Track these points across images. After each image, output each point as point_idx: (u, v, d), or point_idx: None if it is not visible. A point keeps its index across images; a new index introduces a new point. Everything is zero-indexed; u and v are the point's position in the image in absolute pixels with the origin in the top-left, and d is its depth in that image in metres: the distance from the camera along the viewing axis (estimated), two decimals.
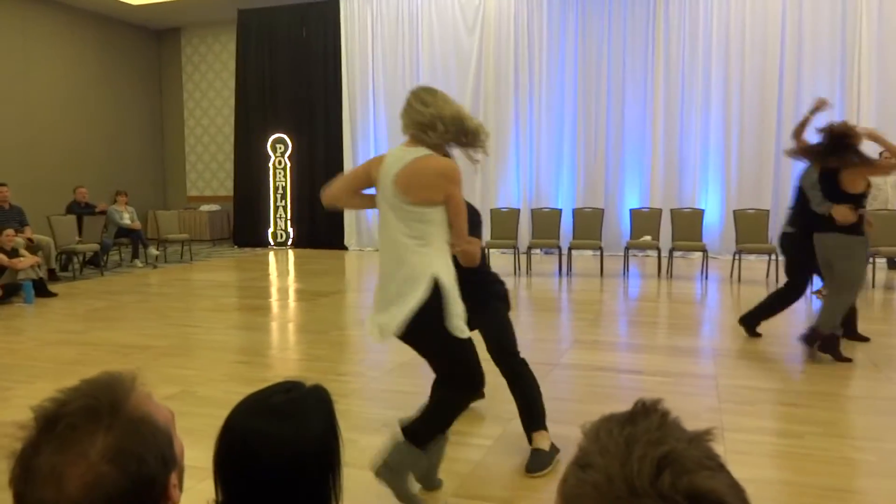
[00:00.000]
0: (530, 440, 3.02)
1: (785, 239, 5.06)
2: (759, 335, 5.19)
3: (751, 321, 5.22)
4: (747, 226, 8.36)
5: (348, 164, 12.20)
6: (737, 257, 8.29)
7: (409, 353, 4.81)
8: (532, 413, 3.07)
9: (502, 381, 4.24)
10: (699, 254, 9.29)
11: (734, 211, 8.69)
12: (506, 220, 9.47)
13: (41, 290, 7.61)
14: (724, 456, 2.39)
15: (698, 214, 8.93)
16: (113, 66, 13.26)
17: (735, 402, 3.70)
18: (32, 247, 8.33)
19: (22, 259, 7.62)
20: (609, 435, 0.62)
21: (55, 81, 12.07)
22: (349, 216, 12.28)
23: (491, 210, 9.89)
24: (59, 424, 0.82)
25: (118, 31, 13.36)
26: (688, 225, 8.79)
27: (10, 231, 7.84)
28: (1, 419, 3.49)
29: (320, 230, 12.46)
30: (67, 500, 0.79)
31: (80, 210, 10.05)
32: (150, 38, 14.19)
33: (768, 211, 8.60)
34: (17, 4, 11.34)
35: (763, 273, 8.41)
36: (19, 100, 11.42)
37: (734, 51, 10.23)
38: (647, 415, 0.64)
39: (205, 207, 13.91)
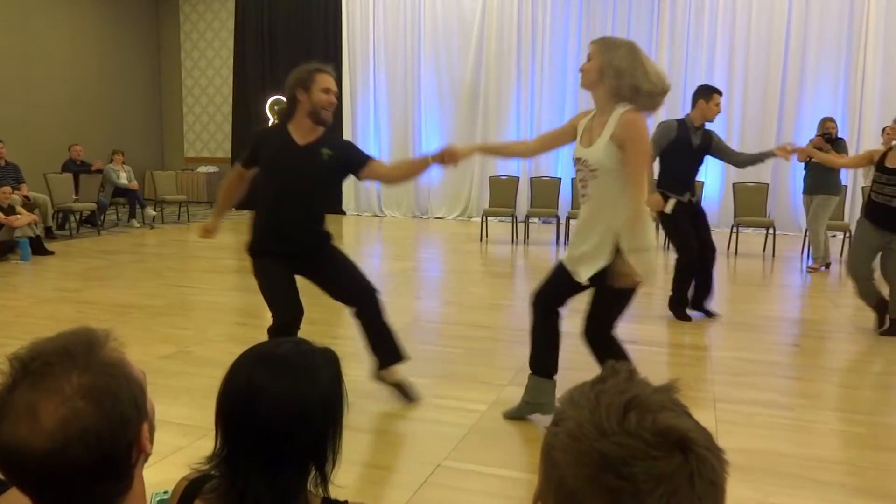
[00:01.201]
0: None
1: None
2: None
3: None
4: (746, 199, 8.34)
5: (347, 127, 12.09)
6: (735, 230, 8.28)
7: (405, 318, 4.83)
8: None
9: (495, 347, 4.27)
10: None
11: (734, 184, 8.66)
12: (504, 189, 9.44)
13: (38, 248, 7.59)
14: (714, 426, 2.44)
15: (698, 186, 8.88)
16: (111, 23, 13.03)
17: (727, 374, 3.74)
18: (29, 204, 8.29)
19: (19, 216, 7.58)
20: (580, 393, 0.66)
21: (53, 38, 11.87)
22: (347, 181, 12.18)
23: (490, 178, 9.84)
24: (33, 364, 0.83)
25: None
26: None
27: (6, 188, 7.79)
28: None
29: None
30: (42, 434, 0.80)
31: (75, 168, 9.98)
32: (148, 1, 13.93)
33: (768, 185, 8.58)
34: None
35: (760, 247, 8.41)
36: (16, 56, 11.24)
37: (740, 22, 10.09)
38: (616, 374, 0.68)
39: (202, 169, 13.81)
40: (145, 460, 0.94)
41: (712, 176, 10.29)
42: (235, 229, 10.29)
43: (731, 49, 10.17)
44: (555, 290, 3.04)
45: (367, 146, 12.04)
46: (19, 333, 4.46)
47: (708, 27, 10.24)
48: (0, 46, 11.02)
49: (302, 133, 3.07)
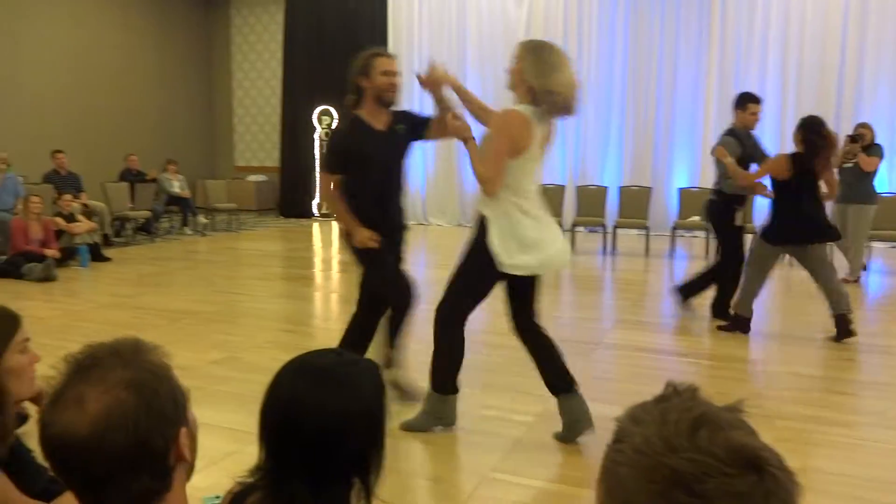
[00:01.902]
0: None
1: None
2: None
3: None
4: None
5: None
6: None
7: None
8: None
9: None
10: (749, 236, 9.04)
11: None
12: (550, 198, 9.34)
13: (96, 254, 7.86)
14: (770, 444, 2.32)
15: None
16: (165, 36, 13.46)
17: (782, 389, 3.62)
18: (88, 212, 8.59)
19: (78, 224, 7.87)
20: (643, 410, 0.65)
21: (109, 51, 12.32)
22: None
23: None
24: (84, 361, 0.92)
25: (170, 2, 13.53)
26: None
27: (67, 196, 8.10)
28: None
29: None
30: (85, 420, 0.86)
31: (131, 177, 10.31)
32: (200, 8, 14.34)
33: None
34: None
35: None
36: (76, 69, 11.70)
37: (793, 26, 9.82)
38: (679, 393, 0.67)
39: (252, 177, 14.11)
40: (188, 472, 0.97)
41: (767, 183, 10.03)
42: (285, 237, 10.47)
43: (784, 50, 9.91)
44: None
45: (413, 157, 12.12)
46: (77, 337, 4.61)
47: (760, 32, 10.00)
48: (59, 60, 11.48)
49: (376, 118, 3.17)
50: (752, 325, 4.84)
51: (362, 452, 1.07)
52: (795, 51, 9.85)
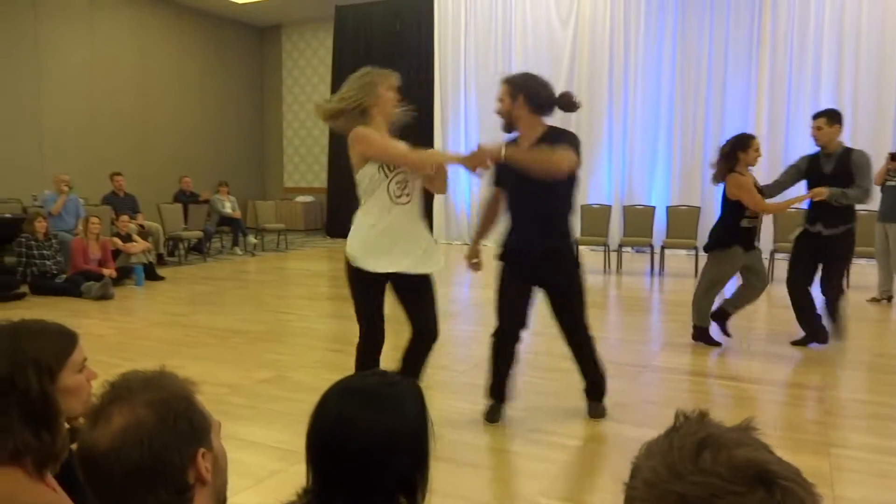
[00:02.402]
0: None
1: None
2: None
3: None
4: (862, 227, 7.79)
5: None
6: None
7: None
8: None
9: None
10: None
11: None
12: (596, 217, 9.28)
13: (150, 273, 8.10)
14: (829, 473, 2.25)
15: (803, 214, 8.42)
16: (219, 62, 13.91)
17: (843, 416, 3.48)
18: (144, 233, 8.88)
19: (135, 244, 8.14)
20: (654, 443, 0.66)
21: (167, 77, 12.79)
22: (438, 209, 12.37)
23: (581, 206, 9.71)
24: (117, 384, 1.01)
25: (224, 29, 13.99)
26: (792, 226, 8.28)
27: (125, 217, 8.38)
28: None
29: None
30: (108, 435, 0.94)
31: (185, 199, 10.62)
32: (253, 35, 14.79)
33: (877, 211, 8.00)
34: (135, 4, 12.08)
35: (874, 278, 7.84)
36: (136, 94, 12.18)
37: (848, 40, 9.57)
38: (688, 420, 0.67)
39: (300, 198, 14.38)
40: (217, 499, 1.01)
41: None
42: (331, 257, 10.62)
43: (839, 66, 9.65)
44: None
45: (459, 177, 12.19)
46: (133, 355, 4.74)
47: (812, 47, 9.78)
48: (121, 86, 11.95)
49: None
50: (809, 350, 4.69)
51: (408, 473, 1.08)
52: (850, 66, 9.58)
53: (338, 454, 1.04)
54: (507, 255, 3.29)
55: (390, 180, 2.94)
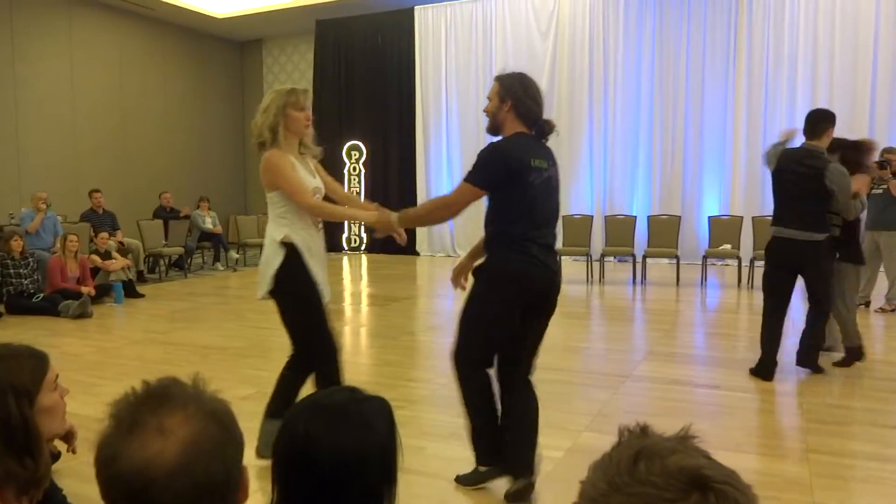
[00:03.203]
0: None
1: None
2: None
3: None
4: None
5: (421, 171, 12.32)
6: None
7: None
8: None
9: (570, 390, 4.16)
10: None
11: None
12: (578, 227, 9.33)
13: (130, 290, 8.01)
14: (809, 480, 2.25)
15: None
16: (199, 77, 13.86)
17: (822, 422, 3.50)
18: (123, 250, 8.79)
19: (114, 261, 8.04)
20: (598, 461, 0.66)
21: (147, 93, 12.72)
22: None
23: (563, 217, 9.76)
24: (155, 392, 0.88)
25: (205, 44, 13.96)
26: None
27: (103, 234, 8.29)
28: (88, 414, 3.69)
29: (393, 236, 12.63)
30: (174, 448, 0.81)
31: (166, 215, 10.54)
32: (233, 49, 14.76)
33: (860, 220, 8.11)
34: (115, 19, 12.02)
35: None
36: (115, 110, 12.09)
37: (822, 50, 9.75)
38: (630, 434, 0.67)
39: None
40: None
41: None
42: None
43: (813, 77, 9.81)
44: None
45: (440, 189, 12.20)
46: (111, 374, 4.68)
47: (788, 58, 9.94)
48: (100, 101, 11.87)
49: None
50: (789, 357, 4.72)
51: (376, 489, 1.06)
52: (825, 77, 9.75)
53: (304, 471, 1.03)
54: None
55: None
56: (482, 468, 2.84)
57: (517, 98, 2.88)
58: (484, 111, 3.02)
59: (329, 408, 1.08)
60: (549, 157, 2.90)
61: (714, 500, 0.57)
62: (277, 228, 3.02)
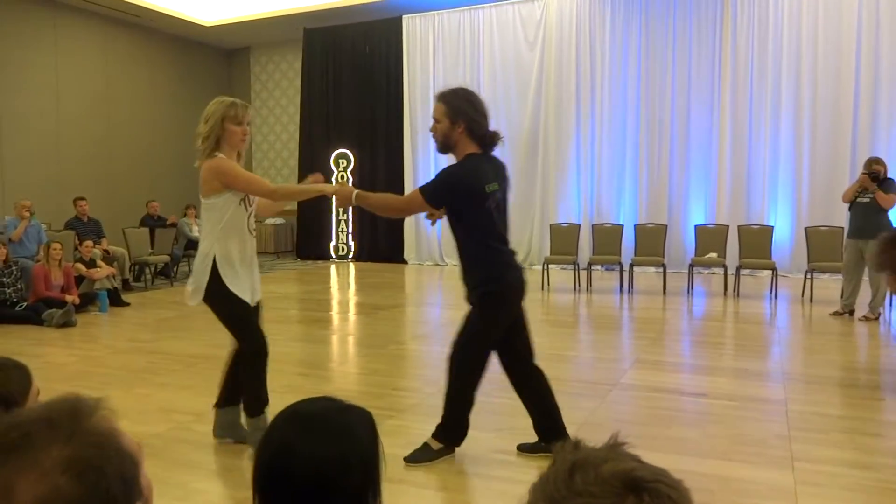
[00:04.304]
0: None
1: None
2: None
3: None
4: (820, 244, 8.01)
5: (408, 179, 12.33)
6: (808, 276, 7.94)
7: None
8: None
9: (557, 399, 4.16)
10: (768, 272, 8.96)
11: (806, 228, 8.34)
12: (566, 236, 9.37)
13: (115, 299, 7.94)
14: (793, 487, 2.27)
15: (767, 231, 8.61)
16: (186, 85, 13.81)
17: (807, 430, 3.53)
18: (108, 258, 8.71)
19: (99, 269, 7.97)
20: (538, 479, 0.68)
21: (133, 100, 12.66)
22: (408, 230, 12.37)
23: (551, 225, 9.80)
24: (10, 435, 0.74)
25: (192, 51, 13.92)
26: (756, 242, 8.49)
27: (88, 242, 8.23)
28: None
29: (381, 244, 12.62)
30: None
31: (152, 223, 10.47)
32: (221, 57, 14.74)
33: (843, 228, 8.22)
34: (100, 26, 11.96)
35: (837, 293, 8.02)
36: (101, 118, 12.02)
37: (806, 61, 9.87)
38: (563, 449, 0.69)
39: (269, 221, 14.26)
40: None
41: (783, 219, 9.97)
42: (302, 279, 10.53)
43: (798, 86, 9.93)
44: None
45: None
46: (95, 384, 4.63)
47: (772, 69, 10.06)
48: (86, 109, 11.80)
49: None
50: (774, 365, 4.76)
51: (358, 499, 1.05)
52: (808, 87, 9.87)
53: (284, 482, 1.02)
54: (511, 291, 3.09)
55: (249, 215, 3.24)
56: (438, 445, 3.13)
57: (469, 118, 2.95)
58: (431, 131, 3.06)
59: (308, 417, 1.07)
60: (500, 175, 3.07)
61: (648, 499, 0.60)
62: (207, 241, 3.19)
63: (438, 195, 3.00)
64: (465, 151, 2.97)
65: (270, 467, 1.04)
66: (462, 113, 2.94)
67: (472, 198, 2.94)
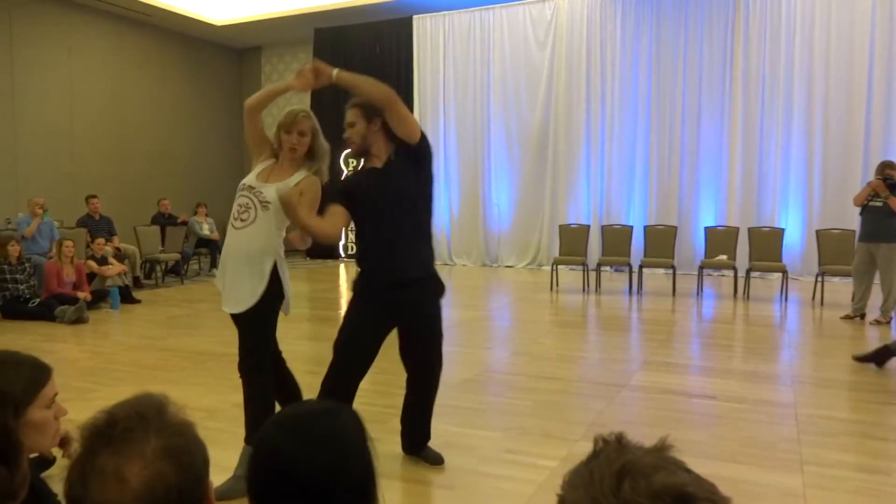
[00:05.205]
0: None
1: None
2: None
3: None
4: (831, 246, 7.96)
5: None
6: (819, 279, 7.90)
7: (474, 369, 4.81)
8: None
9: (566, 400, 4.17)
10: (778, 275, 8.92)
11: (817, 231, 8.30)
12: (575, 237, 9.35)
13: (126, 296, 8.00)
14: (802, 491, 2.27)
15: (778, 233, 8.57)
16: (197, 84, 13.88)
17: (816, 434, 3.52)
18: (120, 255, 8.78)
19: (110, 266, 8.04)
20: (576, 474, 0.66)
21: (144, 99, 12.74)
22: None
23: (560, 226, 9.79)
24: (114, 430, 0.88)
25: (203, 51, 13.99)
26: (767, 244, 8.45)
27: (100, 240, 8.29)
28: (84, 420, 3.68)
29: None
30: (130, 496, 0.85)
31: (163, 221, 10.54)
32: (232, 56, 14.80)
33: (854, 231, 8.17)
34: (113, 25, 12.05)
35: (848, 296, 7.97)
36: (113, 117, 12.10)
37: (818, 62, 9.81)
38: (606, 444, 0.67)
39: None
40: None
41: (793, 221, 9.92)
42: (311, 278, 10.56)
43: (810, 89, 9.87)
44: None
45: (438, 195, 12.20)
46: (106, 380, 4.67)
47: (785, 69, 10.00)
48: (98, 108, 11.88)
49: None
50: (784, 368, 4.74)
51: (355, 499, 1.05)
52: (821, 88, 9.82)
53: (280, 489, 1.01)
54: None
55: (237, 198, 2.99)
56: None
57: (382, 116, 3.01)
58: (347, 138, 3.05)
59: (298, 422, 1.06)
60: None
61: None
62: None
63: (427, 142, 2.98)
64: (386, 149, 2.96)
65: (267, 476, 1.02)
66: (376, 111, 2.99)
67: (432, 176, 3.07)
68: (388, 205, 2.90)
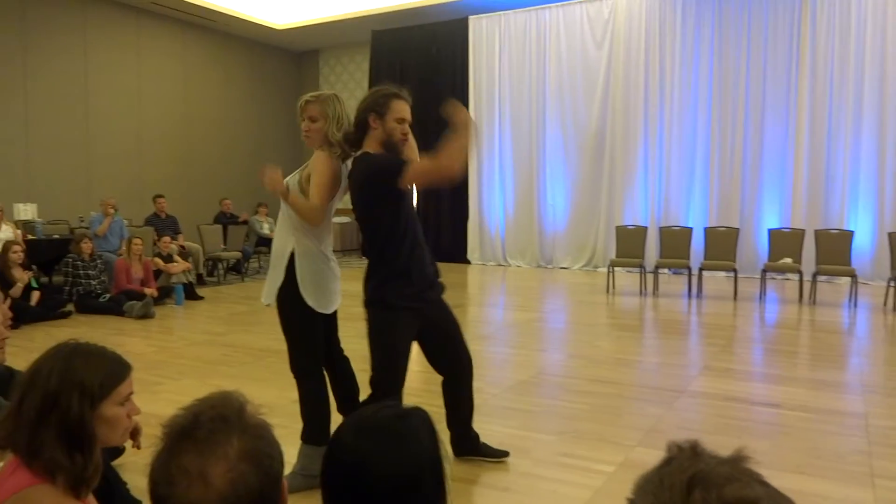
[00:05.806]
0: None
1: None
2: None
3: None
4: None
5: (473, 180, 12.34)
6: (891, 284, 7.55)
7: (528, 371, 4.79)
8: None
9: (622, 404, 4.11)
10: (847, 279, 8.57)
11: (889, 234, 7.93)
12: (632, 238, 9.20)
13: (190, 293, 8.26)
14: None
15: (847, 236, 8.23)
16: (258, 87, 14.24)
17: (888, 446, 3.37)
18: (184, 253, 9.08)
19: (175, 264, 8.33)
20: (646, 479, 0.64)
21: (209, 102, 13.14)
22: (472, 230, 12.40)
23: (617, 227, 9.64)
24: (199, 431, 0.92)
25: (264, 54, 14.34)
26: (834, 247, 8.13)
27: (166, 238, 8.59)
28: (150, 411, 3.82)
29: (444, 243, 12.67)
30: (215, 495, 0.88)
31: (225, 220, 10.84)
32: (291, 59, 15.12)
33: None
34: (178, 31, 12.47)
35: None
36: (178, 118, 12.53)
37: (890, 60, 9.38)
38: (680, 451, 0.65)
39: (336, 219, 14.50)
40: None
41: (863, 224, 9.52)
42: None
43: (882, 83, 9.45)
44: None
45: (493, 198, 12.21)
46: (172, 373, 4.84)
47: (854, 66, 9.60)
48: (164, 110, 12.32)
49: None
50: (853, 377, 4.55)
51: (428, 501, 1.05)
52: (893, 85, 9.38)
53: (359, 495, 1.01)
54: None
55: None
56: None
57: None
58: (405, 133, 3.09)
59: (375, 427, 1.06)
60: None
61: None
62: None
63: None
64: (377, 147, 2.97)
65: (346, 482, 1.02)
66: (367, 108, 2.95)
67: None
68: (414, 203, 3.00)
